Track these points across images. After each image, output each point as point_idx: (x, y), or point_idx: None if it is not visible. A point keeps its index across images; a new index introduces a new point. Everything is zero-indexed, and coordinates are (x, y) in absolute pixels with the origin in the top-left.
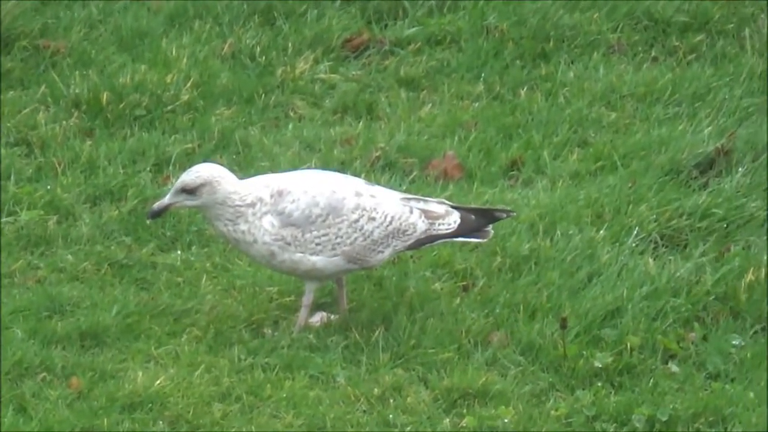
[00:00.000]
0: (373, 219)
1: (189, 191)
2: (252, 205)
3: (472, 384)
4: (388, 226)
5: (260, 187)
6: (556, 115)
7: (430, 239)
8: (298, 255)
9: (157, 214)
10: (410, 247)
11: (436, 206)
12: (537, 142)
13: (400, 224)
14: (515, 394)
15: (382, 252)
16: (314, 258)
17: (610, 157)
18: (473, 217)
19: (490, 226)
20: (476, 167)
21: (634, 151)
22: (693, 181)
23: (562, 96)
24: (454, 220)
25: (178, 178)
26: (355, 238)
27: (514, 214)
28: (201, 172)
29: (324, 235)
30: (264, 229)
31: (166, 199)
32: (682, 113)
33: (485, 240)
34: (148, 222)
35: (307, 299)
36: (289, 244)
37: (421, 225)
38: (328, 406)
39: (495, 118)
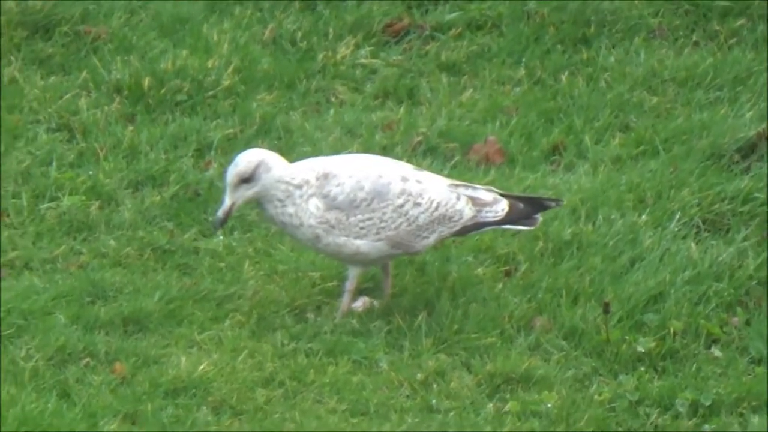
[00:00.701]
0: (419, 204)
1: (246, 179)
2: (299, 186)
3: (515, 369)
4: (433, 212)
5: (306, 169)
6: (597, 100)
7: (476, 226)
8: (343, 238)
9: (224, 221)
10: (456, 234)
11: (484, 193)
12: (578, 126)
13: (446, 210)
14: (558, 378)
15: (427, 238)
16: (358, 242)
17: (651, 141)
18: (521, 205)
19: (539, 214)
20: (518, 152)
21: (676, 136)
22: (735, 165)
23: (603, 81)
24: (501, 207)
25: (225, 173)
26: (400, 223)
27: (563, 203)
28: (249, 156)
29: (368, 219)
30: (309, 212)
31: (226, 202)
32: (724, 97)
33: (533, 228)
34: (216, 232)
35: (351, 284)
36: (334, 227)
37: (468, 212)
38: (371, 391)
39: (536, 103)
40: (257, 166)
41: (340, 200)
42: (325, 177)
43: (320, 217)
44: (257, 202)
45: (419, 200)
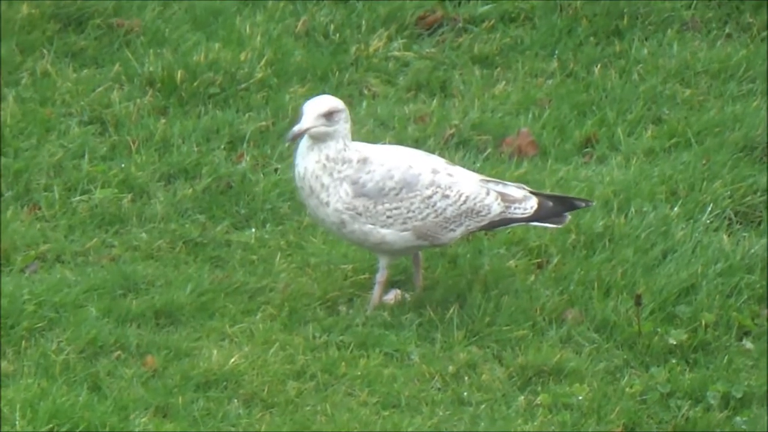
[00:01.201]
0: (447, 197)
1: (330, 115)
2: (345, 160)
3: (546, 361)
4: (461, 205)
5: (354, 150)
6: (629, 93)
7: (504, 222)
8: (369, 226)
9: (295, 137)
10: (484, 228)
11: (514, 190)
12: (611, 119)
13: (475, 204)
14: (590, 371)
15: (454, 231)
16: (384, 231)
17: (684, 134)
18: (551, 203)
19: (568, 212)
20: (550, 144)
21: (708, 128)
22: (767, 157)
23: (636, 73)
24: (531, 205)
25: (309, 101)
26: (427, 214)
27: (593, 203)
28: (338, 100)
29: (396, 209)
30: (339, 195)
31: (306, 124)
32: (756, 90)
33: (560, 226)
34: (286, 144)
35: (381, 276)
36: (360, 214)
37: (496, 207)
38: (402, 383)
39: (569, 96)
40: (338, 111)
41: (369, 188)
42: (363, 162)
43: (348, 203)
44: (308, 146)
45: (448, 192)
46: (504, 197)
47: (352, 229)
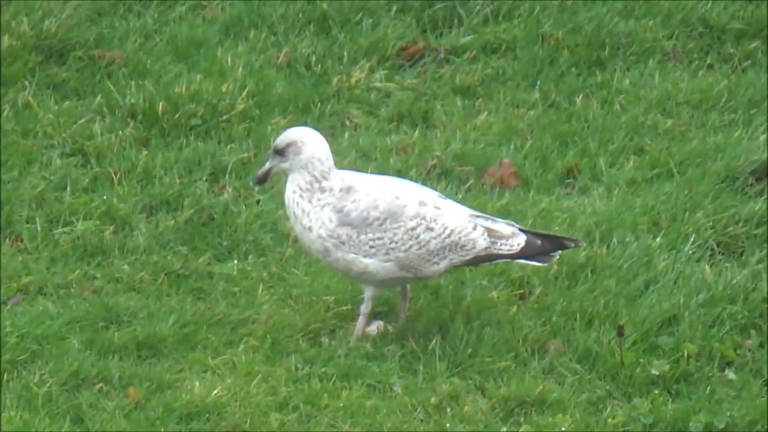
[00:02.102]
0: (431, 229)
1: (279, 152)
2: (323, 189)
3: (529, 392)
4: (446, 238)
5: (338, 177)
6: (611, 123)
7: (489, 257)
8: (352, 255)
9: (262, 180)
10: (469, 263)
11: (503, 226)
12: (593, 149)
13: (459, 238)
14: (572, 402)
15: (437, 264)
16: (367, 260)
17: (666, 164)
18: (539, 242)
19: (557, 252)
20: (532, 175)
21: (690, 158)
22: (749, 188)
23: (618, 103)
24: (518, 242)
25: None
26: (410, 246)
27: (583, 244)
28: (290, 132)
29: (379, 239)
30: (321, 221)
31: (267, 164)
32: (738, 120)
33: (546, 264)
34: (255, 188)
35: (366, 308)
36: (344, 243)
37: (482, 242)
38: (385, 415)
39: (551, 126)
40: (288, 145)
41: (353, 216)
42: (347, 191)
43: (332, 231)
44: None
45: (432, 225)
46: (491, 233)
47: (336, 257)
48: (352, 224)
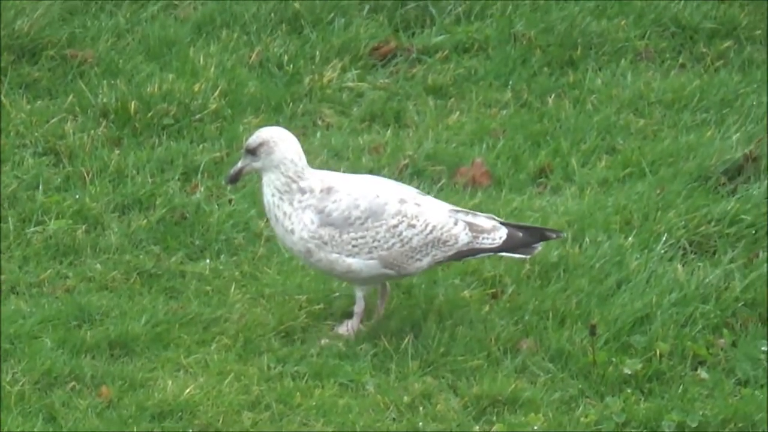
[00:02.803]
0: (413, 226)
1: (250, 151)
2: (302, 190)
3: (501, 391)
4: (428, 234)
5: (317, 179)
6: (584, 122)
7: (472, 252)
8: (334, 255)
9: (234, 179)
10: (451, 258)
11: (483, 220)
12: (565, 149)
13: (441, 234)
14: (545, 401)
15: (420, 260)
16: (350, 260)
17: (638, 163)
18: (521, 234)
19: (539, 243)
20: (504, 174)
21: (663, 158)
22: (721, 187)
23: (590, 103)
24: (499, 235)
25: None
26: (393, 244)
27: (564, 235)
28: (261, 132)
29: (361, 238)
30: (303, 223)
31: (239, 164)
32: (710, 120)
33: (529, 256)
34: (227, 187)
35: (359, 307)
36: (326, 243)
37: (464, 237)
38: (357, 413)
39: (523, 126)
40: (260, 145)
41: (334, 216)
42: (328, 191)
43: (314, 232)
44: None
45: (414, 222)
46: (473, 227)
47: (319, 257)
48: (334, 224)
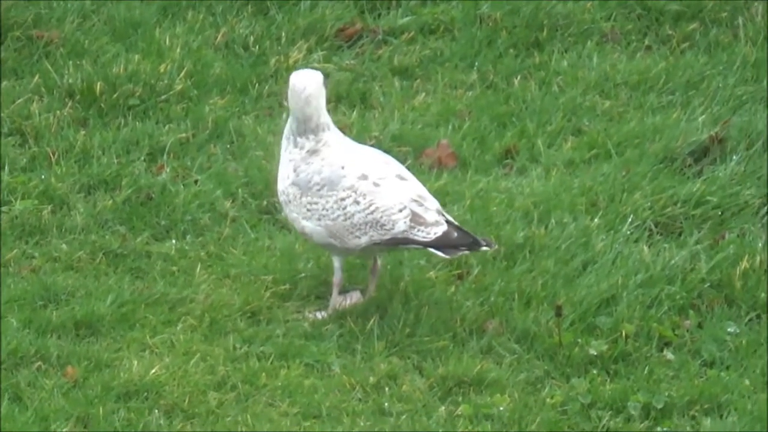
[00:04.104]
0: (357, 203)
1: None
2: (296, 144)
3: (467, 372)
4: (369, 214)
5: (312, 138)
6: (549, 104)
7: (405, 241)
8: (294, 215)
9: None
10: (389, 243)
11: (431, 214)
12: (531, 130)
13: (381, 217)
14: (510, 381)
15: (359, 238)
16: (304, 222)
17: (604, 145)
18: (456, 234)
19: (465, 249)
20: (470, 156)
21: (628, 140)
22: (687, 168)
23: (556, 85)
24: (435, 231)
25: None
26: (338, 216)
27: (495, 247)
28: (294, 77)
29: (314, 204)
30: (282, 176)
31: None
32: (676, 101)
33: (448, 258)
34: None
35: (336, 277)
36: (290, 202)
37: (401, 225)
38: (323, 394)
39: (489, 107)
40: (289, 87)
41: (301, 178)
42: (311, 153)
43: (285, 188)
44: None
45: (360, 199)
46: (414, 218)
47: (286, 213)
48: (299, 185)
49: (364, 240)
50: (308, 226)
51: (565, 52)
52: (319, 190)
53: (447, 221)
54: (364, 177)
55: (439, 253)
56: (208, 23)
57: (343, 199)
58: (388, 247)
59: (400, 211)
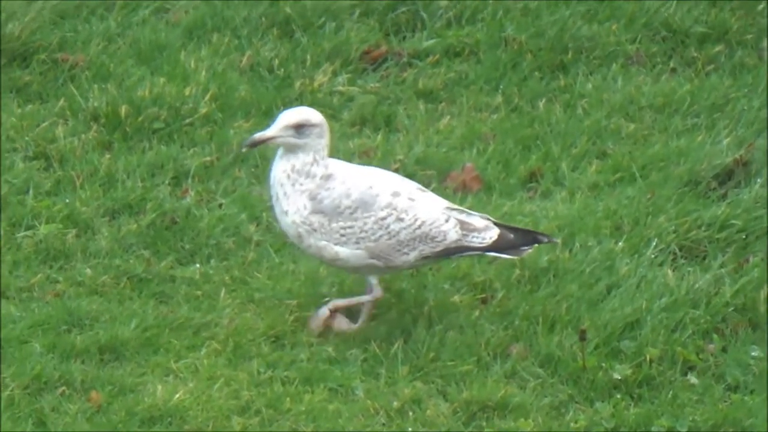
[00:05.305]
0: (401, 220)
1: (300, 128)
2: (308, 174)
3: (491, 396)
4: (416, 229)
5: (322, 165)
6: (574, 127)
7: (460, 249)
8: (323, 242)
9: (255, 144)
10: (440, 255)
11: (477, 220)
12: (555, 153)
13: (430, 230)
14: (534, 406)
15: (407, 254)
16: (338, 248)
17: (628, 168)
18: (512, 236)
19: (529, 246)
20: (495, 179)
21: (653, 163)
22: (712, 192)
23: (581, 107)
24: (490, 235)
25: (282, 112)
26: (380, 236)
27: (556, 240)
28: (310, 113)
29: (349, 228)
30: (297, 207)
31: (270, 132)
32: (701, 124)
33: (517, 257)
34: (243, 150)
35: (377, 293)
36: (316, 230)
37: (453, 234)
38: (347, 419)
39: (513, 130)
40: (313, 126)
41: (325, 204)
42: (327, 178)
43: (305, 218)
44: (280, 155)
45: (402, 216)
46: (464, 225)
47: (309, 243)
48: (324, 212)
49: (413, 255)
50: (343, 251)
51: (590, 74)
52: (352, 213)
53: (495, 223)
54: (397, 194)
55: (504, 255)
56: (233, 46)
57: (383, 218)
58: (439, 258)
59: (447, 221)
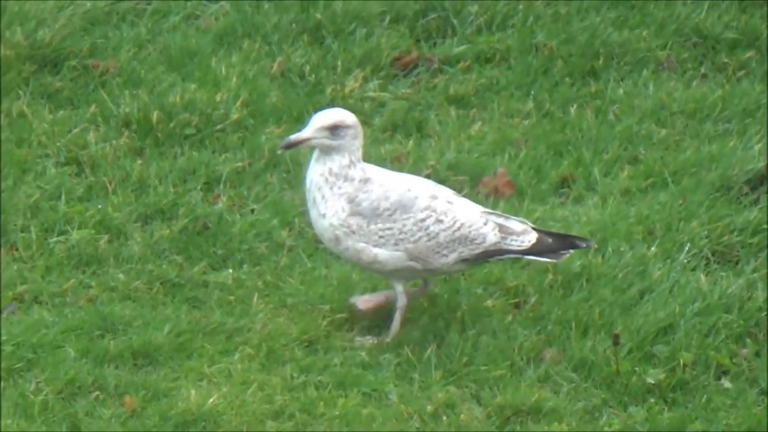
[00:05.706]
0: (441, 221)
1: (335, 129)
2: (347, 178)
3: (524, 401)
4: (455, 231)
5: (360, 169)
6: (606, 132)
7: (499, 252)
8: (361, 245)
9: (291, 146)
10: (479, 257)
11: (515, 223)
12: (587, 159)
13: (469, 232)
14: (568, 410)
15: (446, 256)
16: (377, 250)
17: (660, 173)
18: (550, 240)
19: (567, 250)
20: (527, 184)
21: (685, 168)
22: (744, 197)
23: (612, 113)
24: (529, 239)
25: (316, 113)
26: (419, 237)
27: (594, 245)
28: (345, 114)
29: (388, 229)
30: (335, 210)
31: (305, 134)
32: (732, 130)
33: (557, 261)
34: (278, 152)
35: (401, 302)
36: (354, 232)
37: (492, 237)
38: (380, 423)
39: (545, 136)
40: (348, 127)
41: (363, 206)
42: (364, 182)
43: (343, 220)
44: (315, 158)
45: (442, 217)
46: (502, 228)
47: (346, 246)
48: (363, 214)
49: (452, 257)
50: (382, 253)
51: (621, 80)
52: (391, 215)
53: (533, 228)
54: (435, 197)
55: (542, 259)
56: (264, 52)
57: (422, 220)
58: (478, 261)
59: (485, 224)
